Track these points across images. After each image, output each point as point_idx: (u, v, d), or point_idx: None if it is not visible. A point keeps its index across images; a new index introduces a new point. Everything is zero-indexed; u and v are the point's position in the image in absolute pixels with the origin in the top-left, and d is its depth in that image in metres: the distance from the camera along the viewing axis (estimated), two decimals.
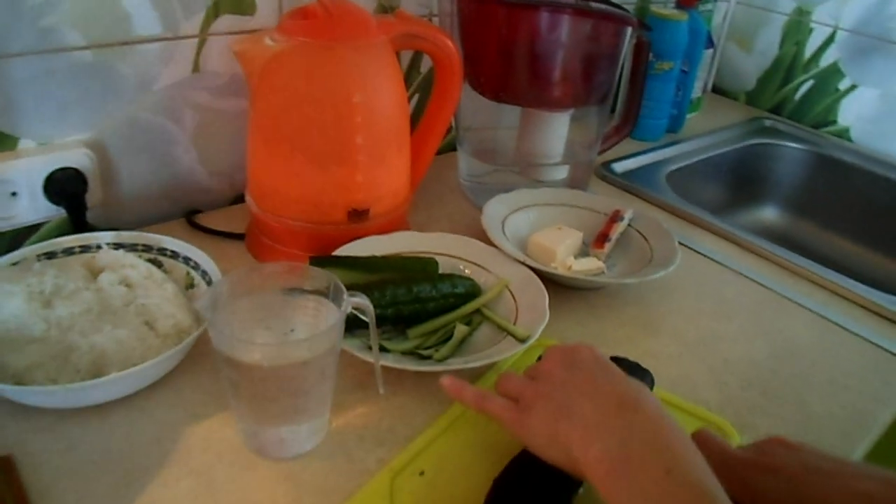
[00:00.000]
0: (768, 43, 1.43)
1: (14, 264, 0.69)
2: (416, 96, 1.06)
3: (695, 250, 0.94)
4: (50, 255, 0.71)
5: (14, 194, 0.76)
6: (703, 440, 0.53)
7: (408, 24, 0.78)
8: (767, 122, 1.39)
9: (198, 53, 0.84)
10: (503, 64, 0.90)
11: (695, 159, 1.22)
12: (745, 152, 1.31)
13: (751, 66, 1.47)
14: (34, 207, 0.78)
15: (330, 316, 0.56)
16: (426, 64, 1.04)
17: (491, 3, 0.87)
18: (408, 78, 1.04)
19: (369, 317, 0.57)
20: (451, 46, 0.80)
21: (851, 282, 0.88)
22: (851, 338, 0.80)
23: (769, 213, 1.36)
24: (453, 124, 1.00)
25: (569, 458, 0.47)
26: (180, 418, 0.61)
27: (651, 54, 1.15)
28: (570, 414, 0.48)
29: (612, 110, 1.04)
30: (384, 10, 0.95)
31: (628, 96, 1.02)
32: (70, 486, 0.55)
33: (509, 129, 0.98)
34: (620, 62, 0.94)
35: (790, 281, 0.90)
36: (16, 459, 0.56)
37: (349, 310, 0.55)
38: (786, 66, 1.42)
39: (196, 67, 0.85)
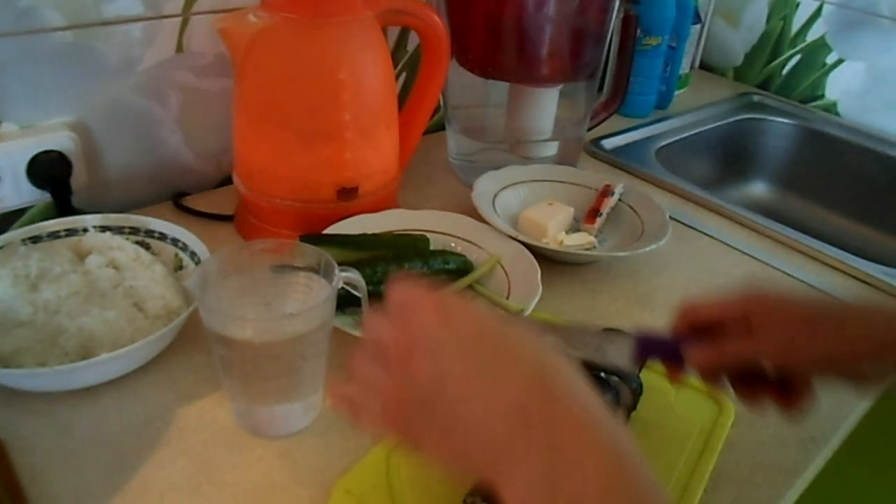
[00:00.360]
0: (755, 18, 1.43)
1: (1, 250, 0.68)
2: (404, 74, 1.05)
3: (686, 224, 0.94)
4: (35, 240, 0.70)
5: None
6: (686, 309, 0.54)
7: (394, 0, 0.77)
8: (755, 98, 1.39)
9: (181, 33, 0.83)
10: (490, 39, 0.89)
11: (684, 135, 1.21)
12: (734, 128, 1.31)
13: (738, 41, 1.47)
14: (18, 192, 0.76)
15: (321, 291, 0.55)
16: (413, 42, 1.03)
17: None
18: (395, 56, 1.02)
19: (361, 292, 0.56)
20: (438, 21, 0.79)
21: (843, 253, 0.88)
22: None
23: (758, 188, 1.36)
24: (441, 102, 0.99)
25: (492, 485, 0.36)
26: (172, 399, 0.61)
27: (639, 30, 1.14)
28: (466, 433, 0.36)
29: (601, 87, 1.03)
30: None
31: (616, 72, 1.01)
32: (62, 469, 0.54)
33: (498, 107, 0.97)
34: (608, 37, 0.94)
35: (781, 253, 0.90)
36: (7, 443, 0.56)
37: (340, 285, 0.54)
38: (773, 42, 1.41)
39: (180, 47, 0.83)
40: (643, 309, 0.77)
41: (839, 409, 0.67)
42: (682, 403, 0.64)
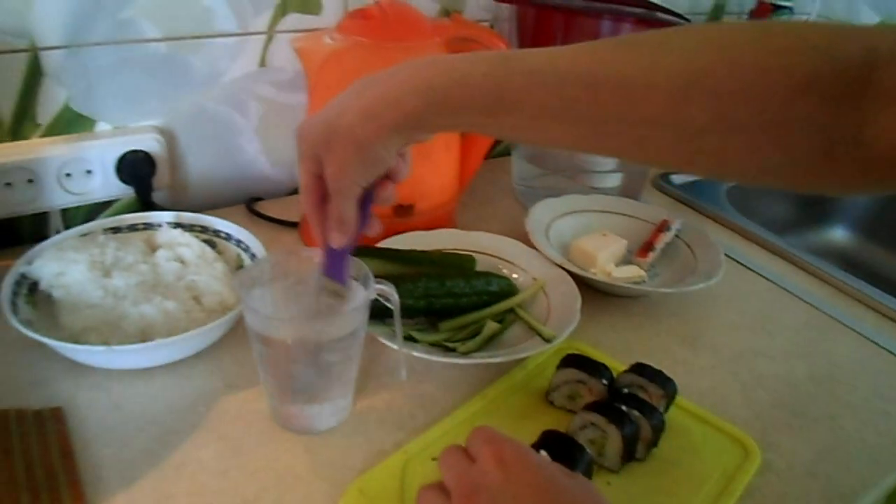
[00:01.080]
0: None
1: (83, 236, 0.75)
2: None
3: (744, 265, 0.93)
4: (115, 230, 0.77)
5: (89, 172, 0.82)
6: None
7: (462, 27, 0.81)
8: None
9: (265, 49, 0.89)
10: None
11: None
12: None
13: None
14: (106, 186, 0.84)
15: (356, 300, 0.58)
16: None
17: (550, 9, 0.88)
18: None
19: (393, 304, 0.59)
20: (504, 47, 0.82)
21: None
22: None
23: (838, 235, 1.32)
24: None
25: None
26: (217, 388, 0.65)
27: None
28: None
29: None
30: (446, 13, 0.98)
31: None
32: (111, 440, 0.59)
33: None
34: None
35: (842, 302, 0.87)
36: (65, 412, 0.61)
37: (374, 295, 0.57)
38: None
39: (263, 62, 0.89)
40: (685, 347, 0.77)
41: (873, 469, 0.65)
42: (706, 444, 0.63)
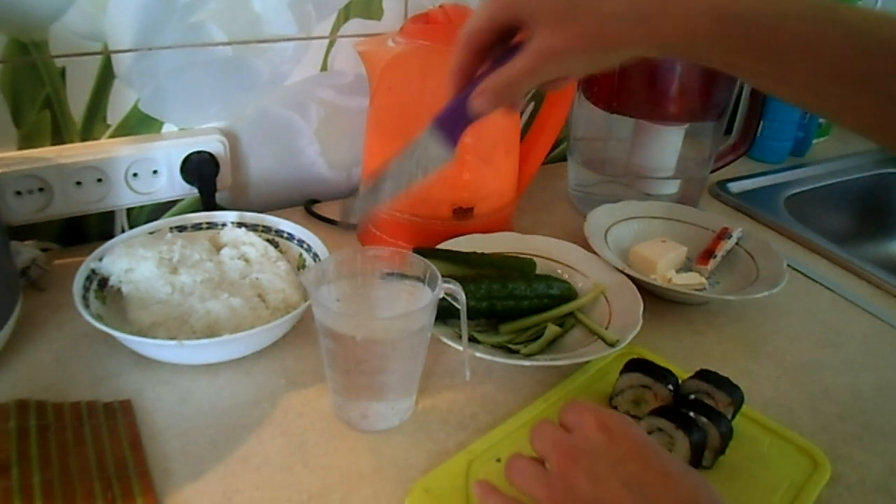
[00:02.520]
0: None
1: (151, 234, 0.76)
2: (532, 104, 1.08)
3: (806, 275, 0.91)
4: (181, 229, 0.78)
5: (155, 172, 0.84)
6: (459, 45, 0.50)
7: None
8: None
9: (327, 53, 0.90)
10: (619, 75, 0.90)
11: (818, 184, 1.17)
12: (876, 181, 1.25)
13: None
14: (171, 185, 0.85)
15: (423, 299, 0.59)
16: None
17: None
18: None
19: (461, 303, 0.59)
20: None
21: None
22: None
23: None
24: (566, 133, 1.01)
25: None
26: (281, 385, 0.66)
27: None
28: None
29: (729, 130, 1.02)
30: None
31: (747, 115, 1.00)
32: (177, 433, 0.60)
33: (621, 141, 0.98)
34: (738, 79, 0.93)
35: None
36: (134, 404, 0.62)
37: (441, 294, 0.58)
38: None
39: (324, 66, 0.91)
40: (747, 356, 0.76)
41: None
42: (774, 454, 0.62)
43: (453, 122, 0.52)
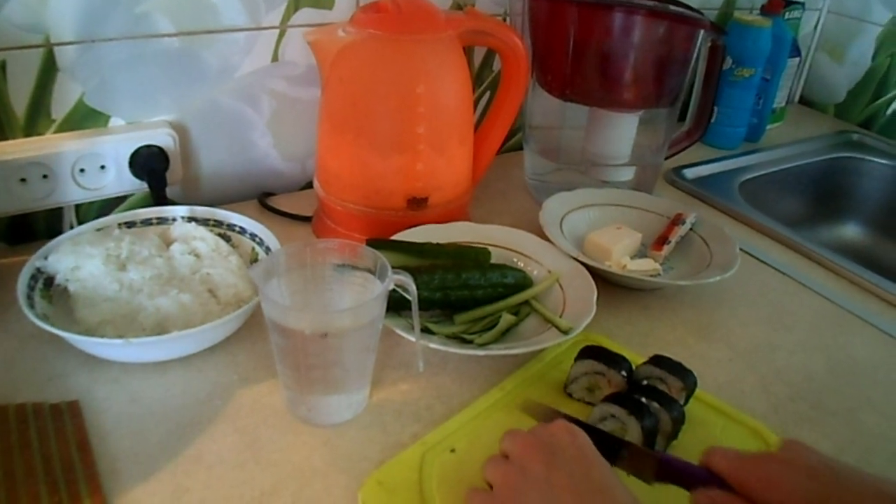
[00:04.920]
0: (861, 54, 1.38)
1: (98, 230, 0.74)
2: (488, 94, 1.07)
3: (759, 259, 0.92)
4: (130, 224, 0.77)
5: (103, 167, 0.82)
6: (713, 452, 0.48)
7: (476, 20, 0.80)
8: (854, 136, 1.34)
9: (277, 44, 0.89)
10: (573, 63, 0.90)
11: (772, 170, 1.19)
12: (828, 166, 1.27)
13: (841, 77, 1.42)
14: (120, 180, 0.84)
15: (373, 291, 0.58)
16: (499, 63, 1.06)
17: (562, 2, 0.87)
18: (480, 75, 1.06)
19: (411, 294, 0.59)
20: (518, 43, 0.82)
21: None
22: None
23: (851, 231, 1.31)
24: (522, 122, 1.01)
25: None
26: (233, 381, 0.65)
27: (731, 60, 1.14)
28: None
29: (683, 117, 1.03)
30: (459, 7, 0.97)
31: (700, 101, 1.00)
32: (127, 432, 0.59)
33: (576, 129, 0.98)
34: (692, 65, 0.94)
35: (859, 297, 0.87)
36: (82, 405, 0.61)
37: (391, 286, 0.57)
38: (878, 79, 1.36)
39: (275, 57, 0.89)
40: (701, 340, 0.76)
41: (894, 463, 0.64)
42: (726, 437, 0.63)
43: (671, 473, 0.50)
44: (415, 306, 0.60)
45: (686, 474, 0.48)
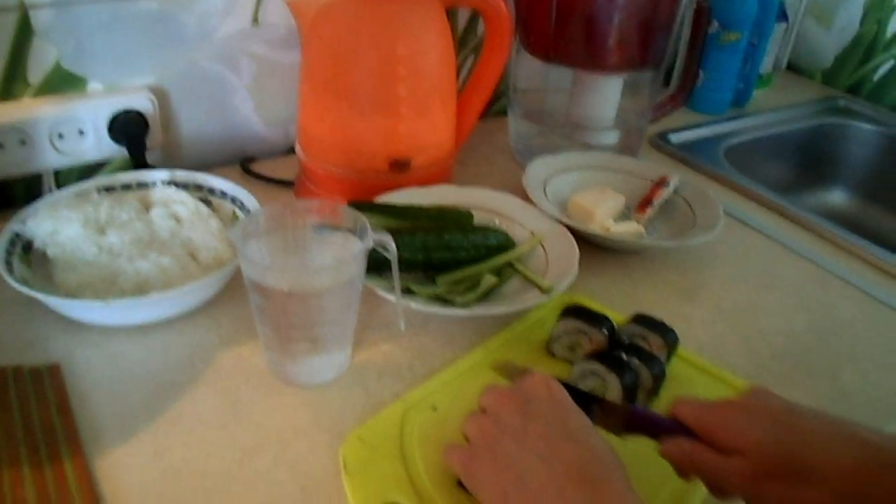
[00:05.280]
0: (849, 19, 1.37)
1: (77, 195, 0.74)
2: (472, 57, 1.06)
3: (744, 223, 0.92)
4: (109, 189, 0.76)
5: (81, 132, 0.81)
6: (679, 402, 0.49)
7: None
8: (842, 102, 1.34)
9: (257, 6, 0.87)
10: (556, 25, 0.89)
11: (757, 135, 1.18)
12: (815, 131, 1.27)
13: (829, 43, 1.42)
14: (99, 145, 0.83)
15: (354, 250, 0.58)
16: (483, 26, 1.04)
17: None
18: (464, 39, 1.05)
19: (391, 254, 0.59)
20: (501, 4, 0.81)
21: None
22: None
23: (836, 196, 1.31)
24: (506, 87, 1.01)
25: None
26: (214, 344, 0.65)
27: (717, 24, 1.13)
28: (521, 477, 0.43)
29: (668, 83, 1.02)
30: None
31: (685, 64, 1.00)
32: (108, 395, 0.59)
33: (560, 93, 0.98)
34: (676, 27, 0.93)
35: (842, 258, 0.87)
36: (63, 368, 0.61)
37: (371, 246, 0.57)
38: (866, 45, 1.35)
39: (255, 20, 0.88)
40: (683, 301, 0.77)
41: (873, 420, 0.65)
42: (708, 394, 0.63)
43: (638, 424, 0.50)
44: (395, 265, 0.60)
45: (654, 425, 0.49)
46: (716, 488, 0.48)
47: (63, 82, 0.81)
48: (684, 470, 0.48)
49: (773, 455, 0.43)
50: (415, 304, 0.65)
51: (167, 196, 0.75)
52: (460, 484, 0.50)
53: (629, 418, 0.50)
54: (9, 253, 0.66)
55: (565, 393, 0.48)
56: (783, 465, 0.43)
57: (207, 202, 0.77)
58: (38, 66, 0.79)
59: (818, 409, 0.47)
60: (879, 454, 0.42)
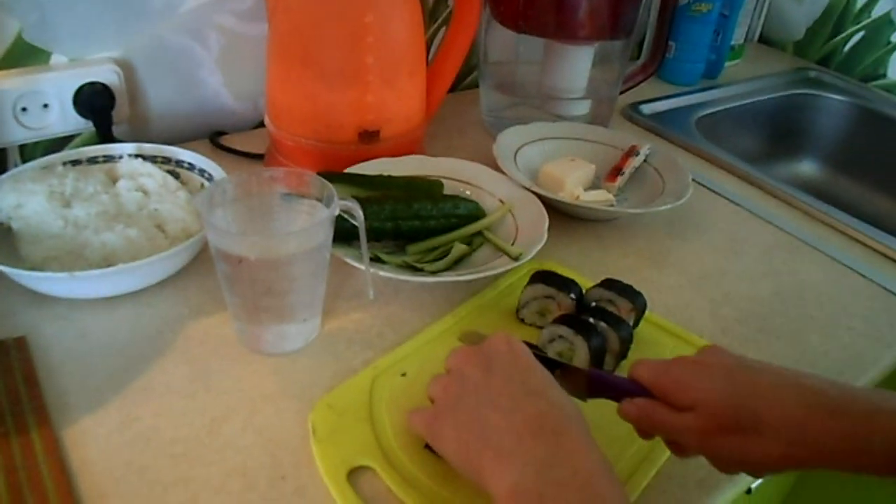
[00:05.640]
0: None
1: (42, 169, 0.73)
2: (444, 29, 1.06)
3: (713, 190, 0.93)
4: (76, 163, 0.75)
5: (46, 106, 0.80)
6: (636, 364, 0.50)
7: None
8: (812, 73, 1.35)
9: None
10: None
11: (729, 105, 1.19)
12: (785, 102, 1.28)
13: (801, 15, 1.42)
14: (64, 119, 0.82)
15: (319, 215, 0.58)
16: None
17: None
18: (435, 11, 1.04)
19: (358, 221, 0.59)
20: None
21: (872, 228, 0.86)
22: (864, 282, 0.79)
23: (807, 167, 1.32)
24: (478, 59, 1.00)
25: (480, 480, 0.43)
26: (183, 315, 0.65)
27: None
28: (483, 431, 0.43)
29: (638, 56, 1.02)
30: None
31: (655, 35, 1.00)
32: (75, 368, 0.58)
33: (531, 64, 0.98)
34: None
35: (809, 225, 0.88)
36: (29, 341, 0.60)
37: (337, 212, 0.57)
38: (836, 16, 1.36)
39: None
40: (652, 267, 0.77)
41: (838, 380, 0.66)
42: (676, 356, 0.64)
43: (601, 388, 0.51)
44: (362, 233, 0.60)
45: (616, 387, 0.50)
46: (675, 446, 0.49)
47: (26, 55, 0.79)
48: (643, 430, 0.49)
49: (724, 408, 0.44)
50: (384, 272, 0.65)
51: (134, 168, 0.74)
52: (428, 447, 0.51)
53: (591, 382, 0.51)
54: None
55: (526, 349, 0.49)
56: (735, 417, 0.44)
57: (176, 175, 0.76)
58: (0, 38, 0.77)
59: (769, 363, 0.48)
60: (828, 402, 0.43)
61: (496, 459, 0.41)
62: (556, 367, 0.51)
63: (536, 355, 0.50)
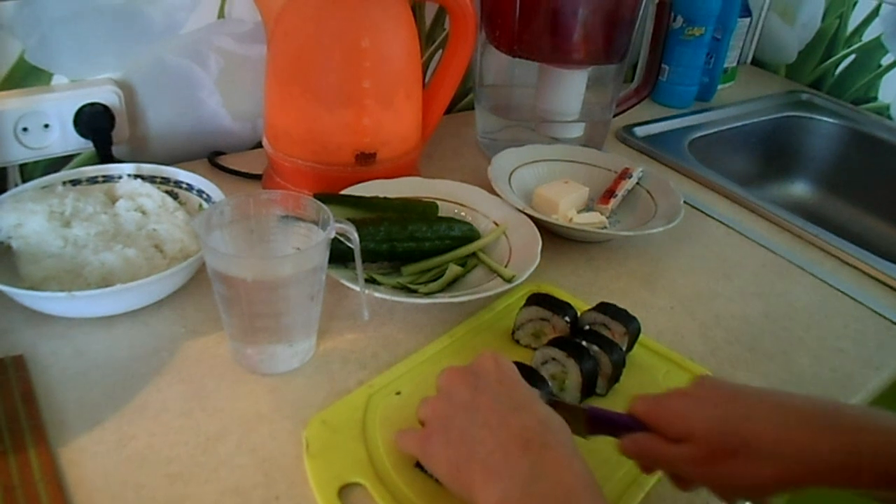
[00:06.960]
0: (811, 15, 1.40)
1: (42, 188, 0.74)
2: (440, 52, 1.07)
3: (705, 213, 0.94)
4: (75, 182, 0.76)
5: (47, 126, 0.81)
6: (634, 399, 0.50)
7: None
8: (804, 96, 1.37)
9: (223, 0, 0.87)
10: (521, 19, 0.91)
11: (721, 128, 1.21)
12: (778, 125, 1.29)
13: (793, 38, 1.44)
14: (64, 139, 0.83)
15: (316, 238, 0.59)
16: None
17: None
18: (431, 34, 1.06)
19: (354, 243, 0.60)
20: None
21: (862, 251, 0.87)
22: (854, 305, 0.80)
23: (799, 189, 1.34)
24: (473, 81, 1.02)
25: (470, 497, 0.43)
26: (180, 334, 0.65)
27: (681, 19, 1.15)
28: (471, 448, 0.44)
29: (632, 79, 1.04)
30: None
31: (648, 59, 1.02)
32: (73, 386, 0.59)
33: (526, 87, 0.99)
34: (639, 20, 0.94)
35: (799, 248, 0.89)
36: (27, 360, 0.61)
37: (333, 234, 0.58)
38: (827, 40, 1.39)
39: (221, 14, 0.88)
40: (646, 290, 0.78)
41: None
42: (668, 381, 0.65)
43: (600, 424, 0.51)
44: (357, 255, 0.61)
45: (615, 424, 0.50)
46: (678, 480, 0.49)
47: (28, 76, 0.81)
48: (645, 465, 0.50)
49: (717, 435, 0.45)
50: (378, 294, 0.66)
51: (133, 189, 0.75)
52: (418, 465, 0.51)
53: (591, 420, 0.51)
54: None
55: (513, 366, 0.50)
56: (729, 443, 0.45)
57: (174, 195, 0.77)
58: (2, 59, 0.79)
59: (761, 388, 0.49)
60: (816, 419, 0.44)
61: (485, 475, 0.43)
62: (553, 405, 0.52)
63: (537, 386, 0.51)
